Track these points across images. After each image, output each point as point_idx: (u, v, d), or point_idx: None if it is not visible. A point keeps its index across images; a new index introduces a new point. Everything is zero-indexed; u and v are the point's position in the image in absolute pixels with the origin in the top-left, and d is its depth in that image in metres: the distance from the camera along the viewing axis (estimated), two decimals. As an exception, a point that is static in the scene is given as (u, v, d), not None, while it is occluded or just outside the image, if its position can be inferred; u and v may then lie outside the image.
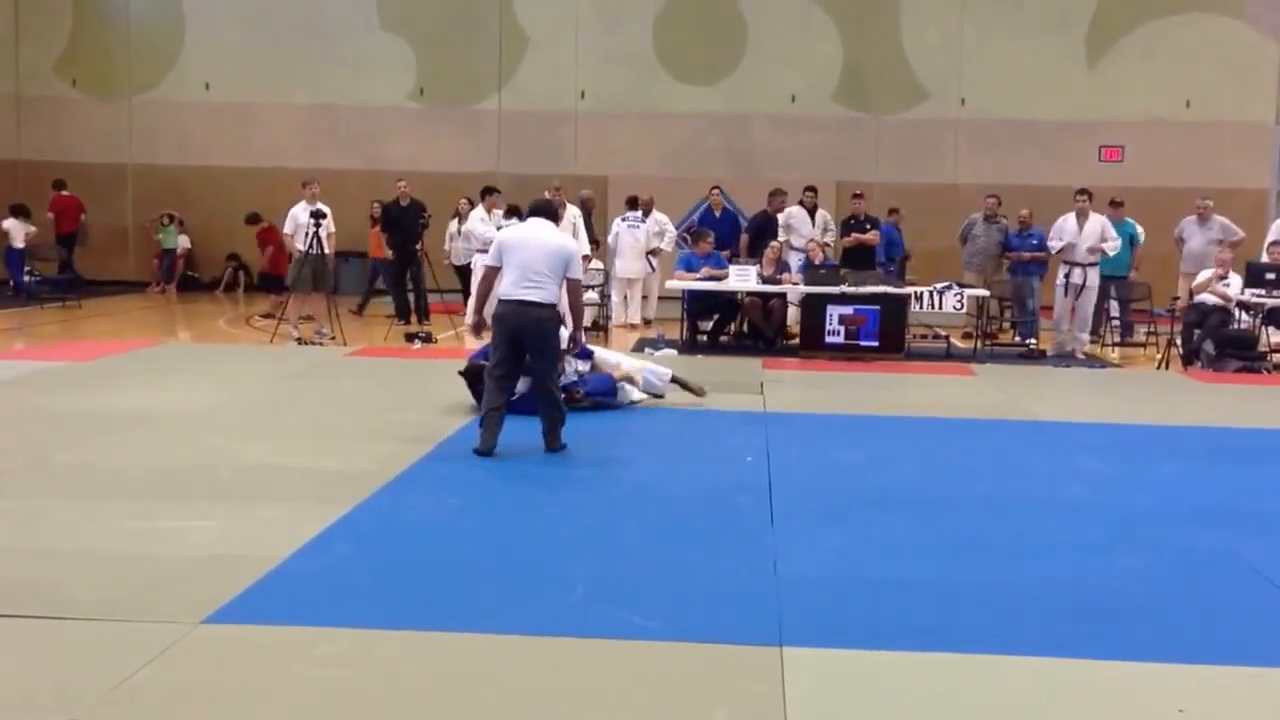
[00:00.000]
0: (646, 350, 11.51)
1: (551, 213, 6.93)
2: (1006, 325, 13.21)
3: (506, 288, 6.57)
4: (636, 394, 8.29)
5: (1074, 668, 3.71)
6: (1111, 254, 11.82)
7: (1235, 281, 11.42)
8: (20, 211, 16.11)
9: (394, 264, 14.02)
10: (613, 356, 8.60)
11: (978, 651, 3.80)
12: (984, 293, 12.32)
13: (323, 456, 6.45)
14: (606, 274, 13.50)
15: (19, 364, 9.64)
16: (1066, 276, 11.78)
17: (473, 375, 7.49)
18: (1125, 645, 3.90)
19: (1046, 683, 3.62)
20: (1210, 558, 4.94)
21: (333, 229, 12.09)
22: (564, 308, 6.76)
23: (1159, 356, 11.58)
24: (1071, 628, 4.06)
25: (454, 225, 14.47)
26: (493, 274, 6.78)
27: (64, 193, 16.58)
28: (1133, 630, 4.06)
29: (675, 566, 4.63)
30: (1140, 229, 13.49)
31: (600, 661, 3.69)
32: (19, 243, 15.75)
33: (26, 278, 15.92)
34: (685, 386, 8.49)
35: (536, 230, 6.67)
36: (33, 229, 15.90)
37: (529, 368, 6.77)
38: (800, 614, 4.08)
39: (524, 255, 6.54)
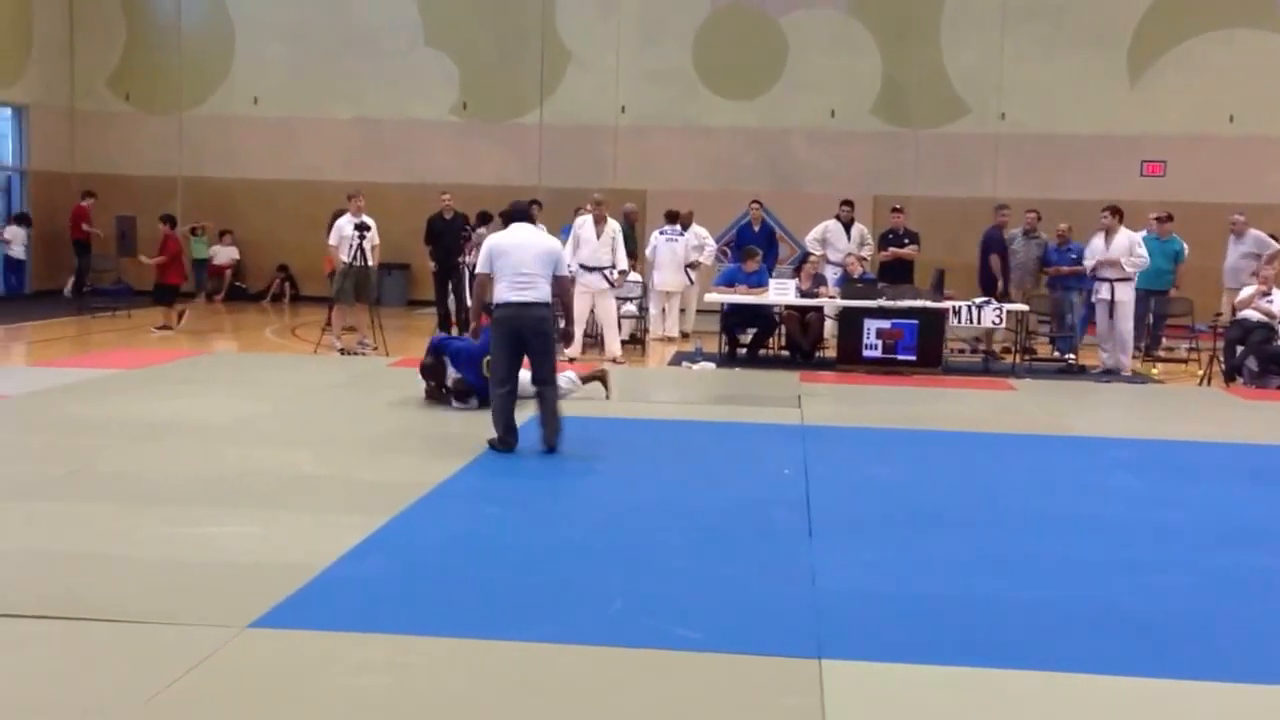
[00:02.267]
0: (684, 364, 11.57)
1: (528, 216, 7.22)
2: (1043, 340, 13.13)
3: (502, 292, 6.87)
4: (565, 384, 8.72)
5: (1113, 685, 3.72)
6: (1132, 270, 11.65)
7: (1278, 298, 11.30)
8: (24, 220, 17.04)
9: (436, 275, 14.20)
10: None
11: (1016, 667, 3.81)
12: (1023, 308, 12.27)
13: (364, 466, 6.56)
14: (645, 286, 13.56)
15: (69, 372, 9.85)
16: (1096, 292, 11.76)
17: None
18: (1164, 662, 3.90)
19: (1085, 699, 3.63)
20: (1250, 576, 4.92)
21: (377, 241, 12.28)
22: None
23: (1201, 373, 11.47)
24: (1111, 645, 4.06)
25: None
26: (486, 280, 7.03)
27: (83, 202, 17.01)
28: (1172, 648, 4.05)
29: (713, 578, 4.67)
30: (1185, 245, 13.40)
31: (639, 671, 3.74)
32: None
33: (66, 291, 16.48)
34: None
35: (521, 234, 7.01)
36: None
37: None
38: (839, 627, 4.11)
39: (515, 258, 6.85)
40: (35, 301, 16.62)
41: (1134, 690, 3.69)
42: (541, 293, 6.85)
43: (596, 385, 9.05)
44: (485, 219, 13.81)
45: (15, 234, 17.14)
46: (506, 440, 6.92)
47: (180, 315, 14.03)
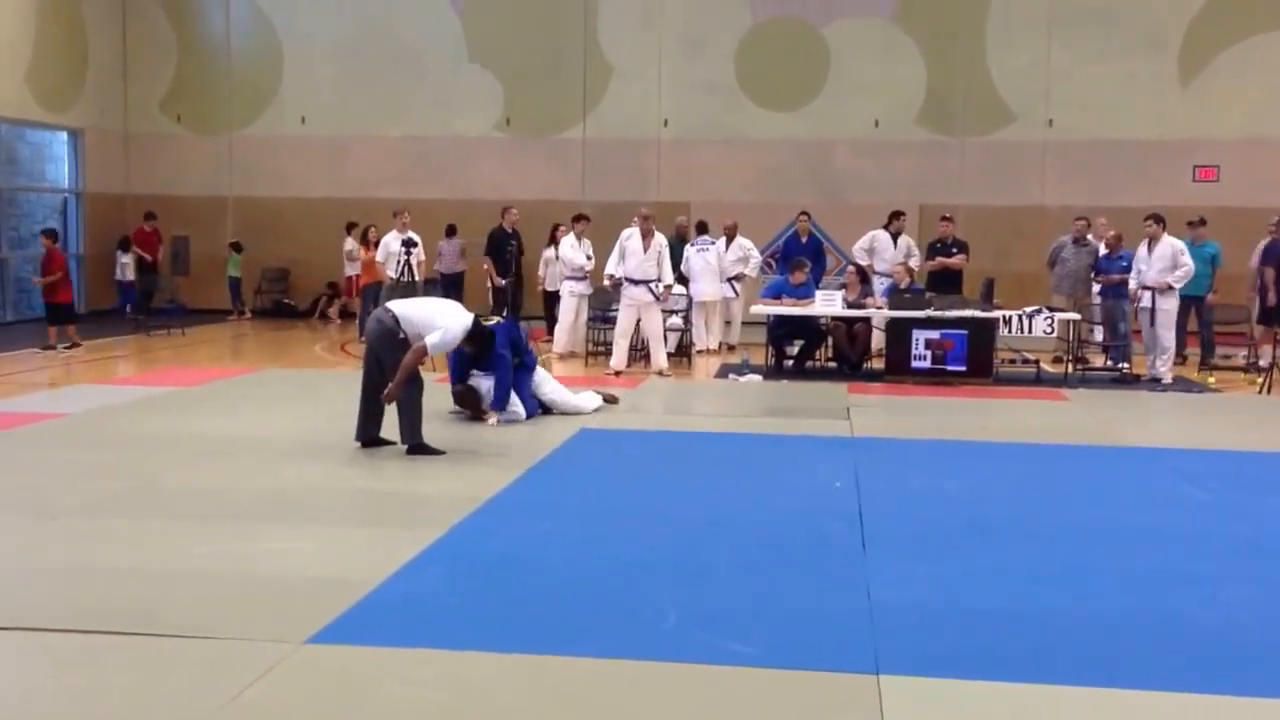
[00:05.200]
0: (731, 376, 11.54)
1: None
2: (1095, 350, 12.94)
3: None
4: (574, 401, 9.01)
5: (1181, 702, 3.64)
6: (1176, 285, 11.39)
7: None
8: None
9: (498, 288, 14.33)
10: (547, 385, 9.06)
11: (1081, 684, 3.74)
12: (1074, 316, 12.11)
13: (416, 481, 6.61)
14: (690, 299, 13.56)
15: (128, 389, 10.03)
16: (1138, 301, 11.57)
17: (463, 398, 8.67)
18: (1233, 679, 3.81)
19: (1153, 716, 3.56)
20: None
21: (423, 257, 12.40)
22: (444, 340, 7.40)
23: (1260, 381, 11.25)
24: (1177, 660, 3.98)
25: (548, 251, 14.74)
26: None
27: (145, 226, 17.29)
28: (1240, 664, 3.96)
29: (767, 592, 4.65)
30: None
31: (693, 687, 3.72)
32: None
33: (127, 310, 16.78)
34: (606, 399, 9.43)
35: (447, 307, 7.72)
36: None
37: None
38: (896, 642, 4.06)
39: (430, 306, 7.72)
40: (93, 321, 16.93)
41: (1201, 707, 3.62)
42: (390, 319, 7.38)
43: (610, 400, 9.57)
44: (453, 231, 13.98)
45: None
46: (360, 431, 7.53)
47: (70, 332, 13.25)
